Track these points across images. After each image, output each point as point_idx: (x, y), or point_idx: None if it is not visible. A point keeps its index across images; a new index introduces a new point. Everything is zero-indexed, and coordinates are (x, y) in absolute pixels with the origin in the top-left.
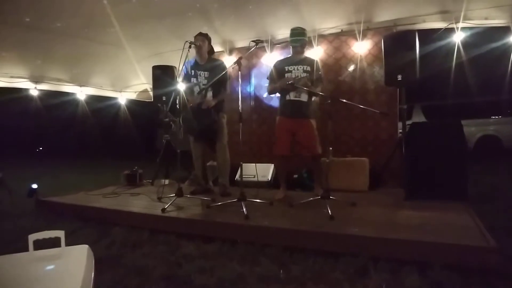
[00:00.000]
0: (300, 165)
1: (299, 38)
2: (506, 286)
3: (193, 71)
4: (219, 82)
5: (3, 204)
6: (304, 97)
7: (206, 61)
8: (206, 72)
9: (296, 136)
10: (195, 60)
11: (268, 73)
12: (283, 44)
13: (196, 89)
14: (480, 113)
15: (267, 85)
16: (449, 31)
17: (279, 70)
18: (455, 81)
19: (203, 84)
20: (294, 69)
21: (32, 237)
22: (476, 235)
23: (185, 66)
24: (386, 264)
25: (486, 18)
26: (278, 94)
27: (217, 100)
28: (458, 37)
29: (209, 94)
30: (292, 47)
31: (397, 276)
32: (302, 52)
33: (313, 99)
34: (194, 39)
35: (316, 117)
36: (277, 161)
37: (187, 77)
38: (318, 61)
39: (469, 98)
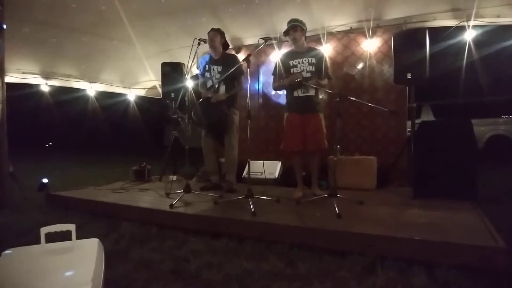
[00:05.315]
0: (308, 163)
1: (291, 24)
2: None
3: (207, 66)
4: (232, 76)
5: (14, 197)
6: (311, 92)
7: (220, 55)
8: (219, 67)
9: (305, 131)
10: (210, 55)
11: (273, 69)
12: None
13: (209, 83)
14: (491, 113)
15: (273, 81)
16: (460, 29)
17: (285, 65)
18: (465, 80)
19: (216, 79)
20: (299, 63)
21: (44, 230)
22: (485, 235)
23: (200, 62)
24: (394, 263)
25: (498, 16)
26: (284, 91)
27: (229, 95)
28: (469, 35)
29: (222, 88)
30: (288, 37)
31: (404, 275)
32: (301, 41)
33: (320, 96)
34: (208, 35)
35: (323, 112)
36: (292, 158)
37: (202, 73)
38: (325, 55)
39: (479, 97)
